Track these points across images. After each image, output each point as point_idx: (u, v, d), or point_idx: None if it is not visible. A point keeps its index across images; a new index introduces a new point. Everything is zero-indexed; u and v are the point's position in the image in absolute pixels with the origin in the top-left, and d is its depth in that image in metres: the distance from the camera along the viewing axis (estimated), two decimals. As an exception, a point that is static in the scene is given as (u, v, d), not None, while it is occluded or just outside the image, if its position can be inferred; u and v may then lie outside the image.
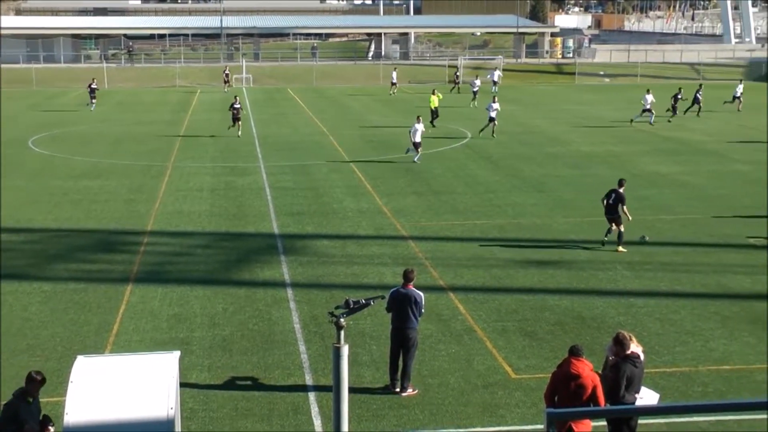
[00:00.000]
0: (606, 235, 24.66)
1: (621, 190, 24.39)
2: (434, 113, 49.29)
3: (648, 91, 51.52)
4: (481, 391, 15.61)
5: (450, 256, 23.86)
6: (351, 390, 14.03)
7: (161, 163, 37.82)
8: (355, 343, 17.09)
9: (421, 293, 15.69)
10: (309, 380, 16.03)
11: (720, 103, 59.00)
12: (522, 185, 33.24)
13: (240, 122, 45.78)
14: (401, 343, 15.63)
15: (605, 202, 24.55)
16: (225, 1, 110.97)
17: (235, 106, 45.56)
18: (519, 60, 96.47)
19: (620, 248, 24.27)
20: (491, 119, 44.82)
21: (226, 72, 75.10)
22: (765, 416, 14.05)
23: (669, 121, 51.38)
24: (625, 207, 24.31)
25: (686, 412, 14.33)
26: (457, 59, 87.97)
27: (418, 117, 38.78)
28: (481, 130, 45.24)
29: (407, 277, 15.72)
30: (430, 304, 19.69)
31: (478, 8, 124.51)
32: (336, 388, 13.28)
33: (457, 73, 74.60)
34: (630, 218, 24.76)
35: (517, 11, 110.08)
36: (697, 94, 54.93)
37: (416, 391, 15.56)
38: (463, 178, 34.55)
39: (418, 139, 37.26)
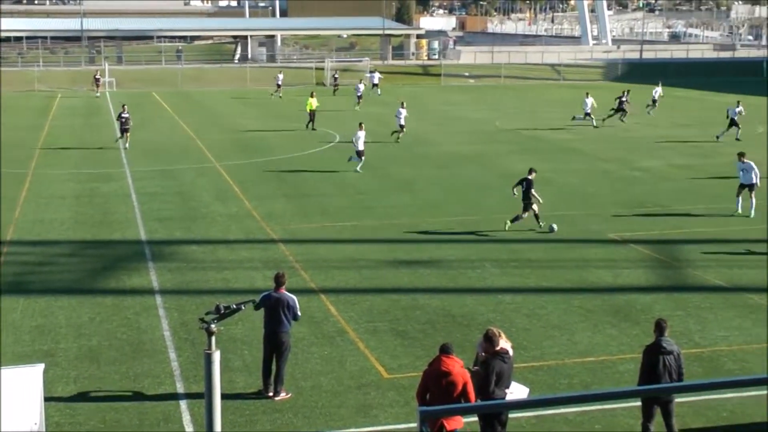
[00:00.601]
0: (513, 221, 26.38)
1: (531, 177, 26.47)
2: (311, 116, 48.95)
3: (587, 95, 52.06)
4: (355, 392, 15.67)
5: (321, 258, 23.87)
6: (223, 396, 13.86)
7: (21, 170, 36.58)
8: (226, 348, 16.90)
9: (293, 296, 15.67)
10: (180, 388, 15.78)
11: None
12: (392, 186, 33.51)
13: (128, 133, 42.86)
14: (274, 348, 15.55)
15: (516, 189, 26.80)
16: (85, 2, 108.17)
17: (123, 115, 42.99)
18: (385, 62, 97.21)
19: (509, 222, 26.43)
20: (401, 126, 44.76)
21: (97, 76, 73.13)
22: (626, 405, 14.52)
23: (622, 120, 51.81)
24: (533, 191, 26.39)
25: (553, 405, 14.70)
26: (324, 61, 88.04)
27: (360, 124, 37.45)
28: (394, 132, 45.03)
29: (278, 281, 15.68)
30: (301, 307, 19.64)
31: (344, 10, 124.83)
32: (208, 395, 13.10)
33: (335, 76, 74.37)
34: (541, 200, 26.65)
35: (383, 13, 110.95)
36: (622, 99, 54.77)
37: (289, 395, 15.51)
38: (333, 180, 34.59)
39: (361, 146, 36.12)
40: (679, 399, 14.05)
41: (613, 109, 52.76)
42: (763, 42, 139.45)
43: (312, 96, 49.74)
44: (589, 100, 50.91)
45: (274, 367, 15.57)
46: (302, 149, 41.82)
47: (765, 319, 19.02)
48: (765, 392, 15.11)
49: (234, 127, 50.60)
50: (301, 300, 20.05)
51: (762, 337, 18.03)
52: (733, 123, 46.10)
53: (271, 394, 15.49)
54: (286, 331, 15.57)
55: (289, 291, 15.78)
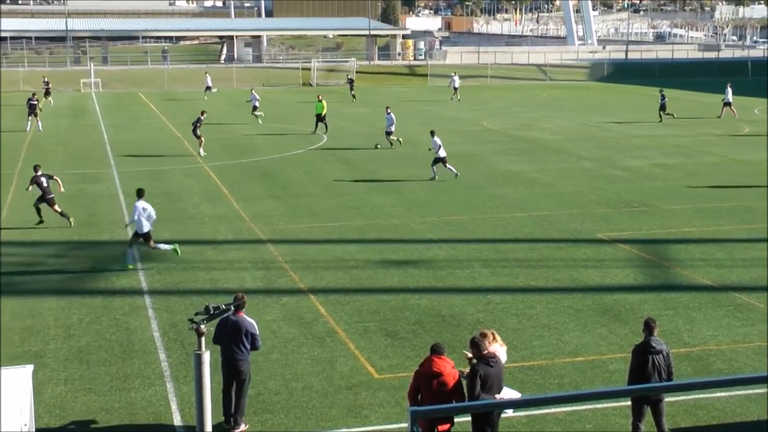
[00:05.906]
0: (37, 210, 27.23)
1: (38, 173, 27.34)
2: (320, 119, 48.03)
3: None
4: (345, 392, 15.66)
5: (310, 258, 23.85)
6: (214, 396, 13.86)
7: (8, 170, 36.44)
8: (215, 349, 16.85)
9: (253, 322, 14.44)
10: (170, 388, 15.74)
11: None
12: (379, 186, 33.51)
13: (37, 117, 49.49)
14: (233, 377, 14.29)
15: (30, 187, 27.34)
16: (70, 2, 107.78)
17: (32, 101, 49.59)
18: (372, 62, 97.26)
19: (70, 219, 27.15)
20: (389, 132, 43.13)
21: (46, 80, 69.86)
22: (617, 404, 14.57)
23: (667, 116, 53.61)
24: (32, 187, 27.17)
25: (544, 404, 14.70)
26: (310, 62, 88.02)
27: (432, 131, 35.83)
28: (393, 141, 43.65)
29: (238, 303, 14.26)
30: (291, 308, 19.66)
31: (329, 10, 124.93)
32: (198, 395, 13.09)
33: (350, 77, 72.90)
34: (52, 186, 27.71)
35: (369, 14, 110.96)
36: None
37: (247, 426, 14.46)
38: (320, 180, 34.58)
39: (442, 153, 34.46)
40: (669, 398, 14.11)
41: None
42: (747, 42, 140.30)
43: (319, 99, 48.61)
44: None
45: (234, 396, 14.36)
46: (289, 150, 41.79)
47: (752, 318, 19.11)
48: (754, 391, 15.22)
49: (221, 128, 50.48)
50: (291, 301, 20.12)
51: (750, 336, 18.12)
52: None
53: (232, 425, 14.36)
54: (244, 359, 14.21)
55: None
